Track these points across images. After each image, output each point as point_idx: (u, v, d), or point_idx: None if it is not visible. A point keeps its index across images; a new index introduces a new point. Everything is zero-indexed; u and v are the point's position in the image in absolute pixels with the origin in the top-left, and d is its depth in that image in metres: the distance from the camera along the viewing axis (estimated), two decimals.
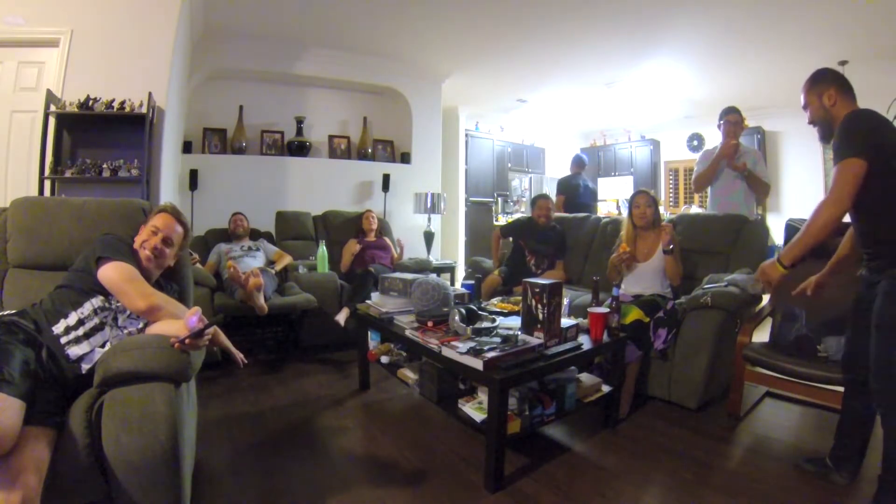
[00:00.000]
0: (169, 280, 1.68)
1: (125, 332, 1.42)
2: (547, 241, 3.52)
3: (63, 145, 3.04)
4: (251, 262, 3.25)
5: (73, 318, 1.36)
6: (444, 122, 5.84)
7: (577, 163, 5.46)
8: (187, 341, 1.21)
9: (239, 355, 1.48)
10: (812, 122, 1.67)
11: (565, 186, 5.27)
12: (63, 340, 1.32)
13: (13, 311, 1.37)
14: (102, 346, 1.36)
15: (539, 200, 3.55)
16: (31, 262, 1.69)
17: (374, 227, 4.00)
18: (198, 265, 3.15)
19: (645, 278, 2.59)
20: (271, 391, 2.60)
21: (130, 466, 1.08)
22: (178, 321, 1.33)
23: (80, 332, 1.35)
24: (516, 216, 6.36)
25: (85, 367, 1.31)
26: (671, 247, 2.48)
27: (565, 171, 8.68)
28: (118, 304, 1.43)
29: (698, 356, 2.26)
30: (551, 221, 3.55)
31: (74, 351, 1.32)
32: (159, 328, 1.38)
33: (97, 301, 1.41)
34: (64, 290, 1.43)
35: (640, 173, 7.99)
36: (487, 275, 3.62)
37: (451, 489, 1.68)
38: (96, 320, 1.38)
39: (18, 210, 1.72)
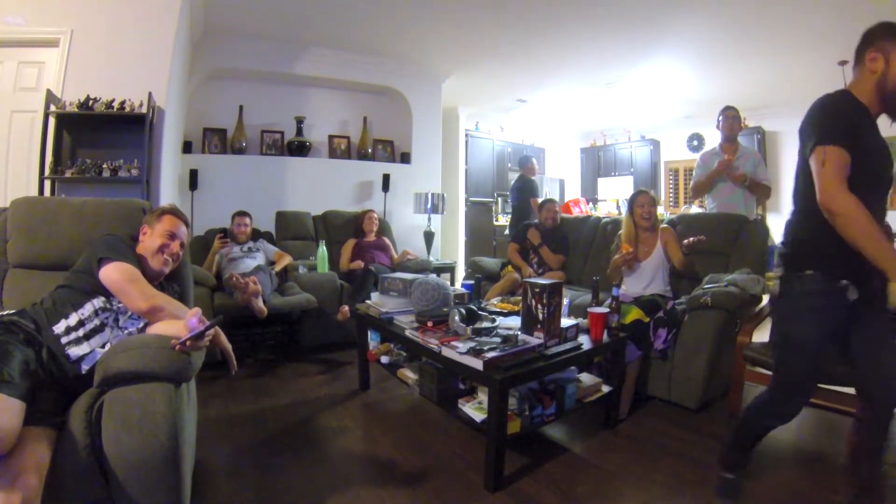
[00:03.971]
0: (169, 280, 1.68)
1: (126, 332, 1.42)
2: (550, 243, 3.58)
3: (63, 145, 3.04)
4: (251, 263, 3.25)
5: (73, 319, 1.35)
6: (444, 122, 5.84)
7: (528, 165, 5.56)
8: (188, 343, 1.21)
9: (233, 363, 1.47)
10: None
11: (534, 189, 5.39)
12: (64, 341, 1.31)
13: (12, 311, 1.37)
14: (103, 346, 1.36)
15: (547, 204, 3.72)
16: (31, 262, 1.69)
17: (376, 227, 4.00)
18: (198, 267, 3.14)
19: (645, 278, 2.59)
20: (271, 391, 2.60)
21: (130, 466, 1.08)
22: (179, 322, 1.32)
23: (81, 332, 1.35)
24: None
25: (85, 367, 1.31)
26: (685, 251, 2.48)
27: (566, 171, 8.80)
28: (119, 305, 1.42)
29: (698, 356, 2.26)
30: (556, 223, 3.66)
31: (75, 351, 1.32)
32: (160, 328, 1.38)
33: (98, 302, 1.41)
34: (65, 290, 1.43)
35: (640, 173, 7.99)
36: (488, 275, 3.68)
37: (451, 489, 1.68)
38: (97, 321, 1.38)
39: (18, 210, 1.72)
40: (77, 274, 1.45)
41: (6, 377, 1.07)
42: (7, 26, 2.95)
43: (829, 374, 1.85)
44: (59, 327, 1.33)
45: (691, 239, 2.45)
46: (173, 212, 1.64)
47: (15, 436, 1.00)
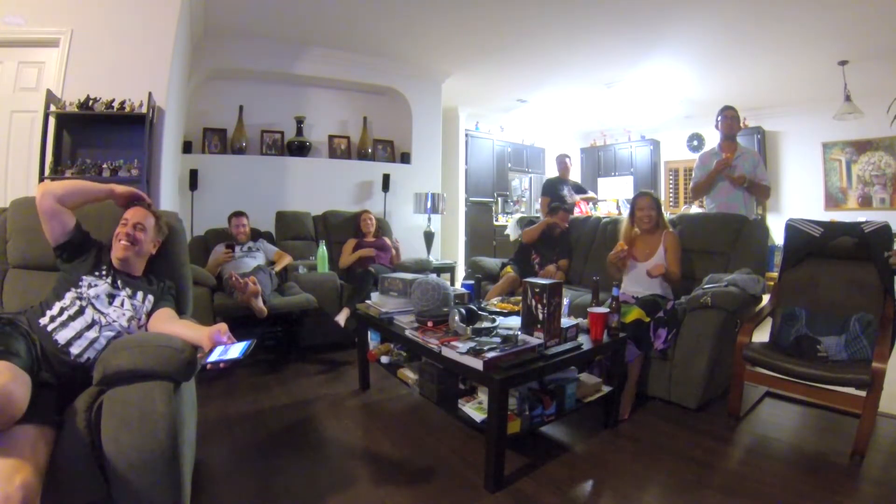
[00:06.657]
0: (162, 277, 1.67)
1: (110, 319, 1.44)
2: (553, 245, 3.60)
3: (63, 145, 3.04)
4: (251, 263, 3.25)
5: (56, 308, 1.41)
6: (444, 122, 5.84)
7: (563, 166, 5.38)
8: (209, 365, 1.24)
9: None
10: None
11: (551, 189, 5.22)
12: (49, 328, 1.36)
13: (11, 312, 1.43)
14: (88, 328, 1.39)
15: (560, 212, 3.65)
16: (31, 262, 1.69)
17: (372, 228, 3.98)
18: (198, 267, 3.13)
19: (644, 278, 2.59)
20: (271, 391, 2.60)
21: (130, 466, 1.08)
22: (201, 328, 1.36)
23: (64, 317, 1.39)
24: (517, 216, 6.36)
25: (74, 352, 1.34)
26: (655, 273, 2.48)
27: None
28: (89, 292, 1.46)
29: (698, 356, 2.26)
30: (564, 229, 3.64)
31: (62, 335, 1.35)
32: (176, 328, 1.41)
33: (72, 293, 1.46)
34: (53, 289, 1.50)
35: (640, 173, 7.98)
36: (488, 274, 3.67)
37: (451, 489, 1.68)
38: (77, 305, 1.42)
39: (18, 210, 1.72)
40: (60, 272, 1.54)
41: (14, 351, 1.13)
42: (7, 26, 2.95)
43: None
44: (45, 319, 1.38)
45: (651, 268, 2.48)
46: (136, 203, 1.66)
47: (24, 405, 1.02)
